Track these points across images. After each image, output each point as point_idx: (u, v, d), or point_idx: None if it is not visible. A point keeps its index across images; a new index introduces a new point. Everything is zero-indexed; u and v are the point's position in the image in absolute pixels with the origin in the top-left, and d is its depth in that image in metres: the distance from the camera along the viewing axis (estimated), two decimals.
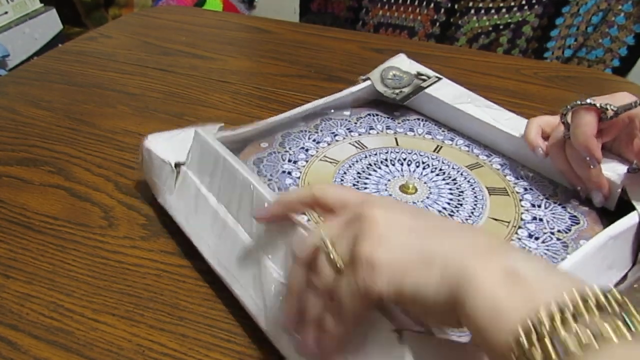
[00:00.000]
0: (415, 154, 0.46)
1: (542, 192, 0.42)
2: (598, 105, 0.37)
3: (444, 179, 0.43)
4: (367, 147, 0.47)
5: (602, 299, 0.19)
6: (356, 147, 0.47)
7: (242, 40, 0.79)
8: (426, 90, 0.51)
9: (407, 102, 0.51)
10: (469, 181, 0.43)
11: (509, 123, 0.46)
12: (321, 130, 0.49)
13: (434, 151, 0.47)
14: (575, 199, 0.41)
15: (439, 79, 0.53)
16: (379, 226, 0.24)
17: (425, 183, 0.43)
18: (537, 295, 0.20)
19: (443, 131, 0.50)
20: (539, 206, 0.40)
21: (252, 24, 0.86)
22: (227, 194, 0.36)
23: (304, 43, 0.75)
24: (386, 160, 0.45)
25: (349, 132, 0.49)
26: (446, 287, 0.22)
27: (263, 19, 0.85)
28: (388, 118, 0.52)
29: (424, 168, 0.45)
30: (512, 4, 0.84)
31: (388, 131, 0.50)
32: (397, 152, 0.46)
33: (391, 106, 0.53)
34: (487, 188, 0.42)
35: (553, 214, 0.40)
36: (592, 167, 0.38)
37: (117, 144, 0.51)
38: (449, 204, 0.40)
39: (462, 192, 0.42)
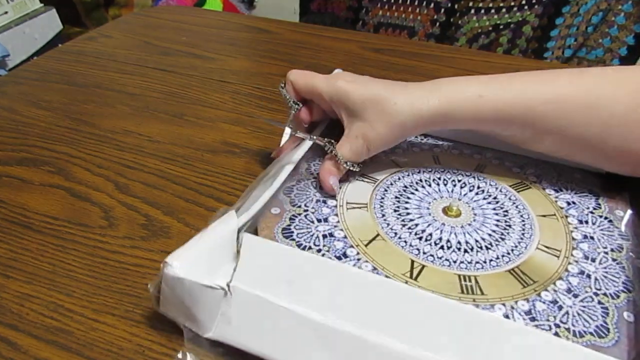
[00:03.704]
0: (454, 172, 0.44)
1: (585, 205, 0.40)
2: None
3: (484, 198, 0.41)
4: (402, 167, 0.44)
5: None
6: (394, 165, 0.45)
7: (242, 40, 0.79)
8: None
9: None
10: (511, 199, 0.41)
11: None
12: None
13: (476, 170, 0.44)
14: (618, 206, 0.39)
15: None
16: None
17: (466, 203, 0.41)
18: None
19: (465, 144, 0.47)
20: (587, 222, 0.39)
21: (252, 24, 0.86)
22: (332, 298, 0.30)
23: (304, 43, 0.75)
24: (425, 180, 0.43)
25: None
26: None
27: (263, 19, 0.85)
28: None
29: (461, 187, 0.42)
30: (512, 4, 0.84)
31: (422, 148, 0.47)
32: (436, 172, 0.44)
33: None
34: (531, 207, 0.40)
35: (602, 231, 0.37)
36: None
37: (117, 144, 0.51)
38: (494, 230, 0.38)
39: (506, 211, 0.40)
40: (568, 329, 0.31)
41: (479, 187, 0.42)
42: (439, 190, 0.42)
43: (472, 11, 0.85)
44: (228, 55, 0.71)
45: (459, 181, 0.43)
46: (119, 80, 0.64)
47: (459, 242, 0.37)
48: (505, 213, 0.40)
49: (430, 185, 0.42)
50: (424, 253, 0.36)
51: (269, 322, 0.30)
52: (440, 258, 0.35)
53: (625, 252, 0.37)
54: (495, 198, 0.41)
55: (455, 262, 0.35)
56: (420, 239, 0.37)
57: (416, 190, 0.42)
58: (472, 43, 0.88)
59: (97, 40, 0.75)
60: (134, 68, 0.67)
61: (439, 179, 0.43)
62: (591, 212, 0.40)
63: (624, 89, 0.36)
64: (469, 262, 0.35)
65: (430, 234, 0.37)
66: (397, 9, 0.90)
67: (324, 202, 0.40)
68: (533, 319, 0.31)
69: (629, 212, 0.40)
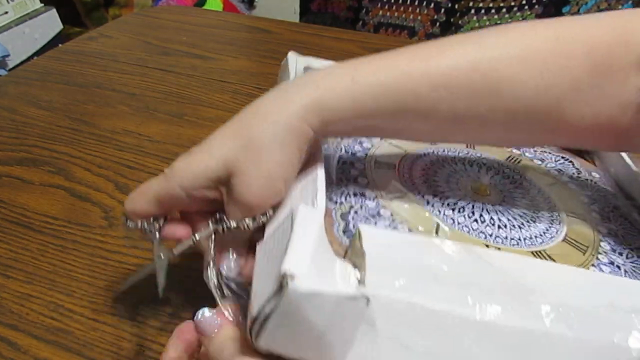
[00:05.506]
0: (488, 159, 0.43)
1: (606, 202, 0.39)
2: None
3: (516, 187, 0.40)
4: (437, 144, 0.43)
5: None
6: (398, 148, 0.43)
7: (242, 40, 0.79)
8: None
9: None
10: (514, 171, 0.40)
11: None
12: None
13: (509, 160, 0.43)
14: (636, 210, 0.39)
15: None
16: None
17: (496, 186, 0.39)
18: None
19: None
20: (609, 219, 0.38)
21: (252, 24, 0.86)
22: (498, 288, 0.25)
23: (304, 43, 0.75)
24: (454, 159, 0.42)
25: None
26: None
27: (263, 19, 0.85)
28: None
29: (496, 173, 0.41)
30: (512, 4, 0.84)
31: None
32: (468, 154, 0.43)
33: None
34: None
35: (624, 229, 0.37)
36: None
37: (117, 144, 0.51)
38: (527, 204, 0.38)
39: (520, 184, 0.39)
40: None
41: (512, 178, 0.42)
42: (471, 170, 0.41)
43: (472, 11, 0.86)
44: (228, 55, 0.71)
45: (494, 168, 0.42)
46: (119, 80, 0.64)
47: (509, 219, 0.37)
48: (521, 185, 0.40)
49: (463, 165, 0.42)
50: (490, 235, 0.35)
51: (431, 334, 0.23)
52: (506, 238, 0.35)
53: (624, 207, 0.39)
54: (503, 172, 0.41)
55: (520, 239, 0.35)
56: (475, 221, 0.36)
57: (448, 165, 0.41)
58: None
59: (97, 40, 0.75)
60: (134, 68, 0.67)
61: (473, 161, 0.43)
62: (577, 170, 0.42)
63: (527, 64, 0.29)
64: (530, 238, 0.35)
65: (482, 215, 0.37)
66: (397, 9, 0.91)
67: (362, 194, 0.36)
68: None
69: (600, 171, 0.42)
